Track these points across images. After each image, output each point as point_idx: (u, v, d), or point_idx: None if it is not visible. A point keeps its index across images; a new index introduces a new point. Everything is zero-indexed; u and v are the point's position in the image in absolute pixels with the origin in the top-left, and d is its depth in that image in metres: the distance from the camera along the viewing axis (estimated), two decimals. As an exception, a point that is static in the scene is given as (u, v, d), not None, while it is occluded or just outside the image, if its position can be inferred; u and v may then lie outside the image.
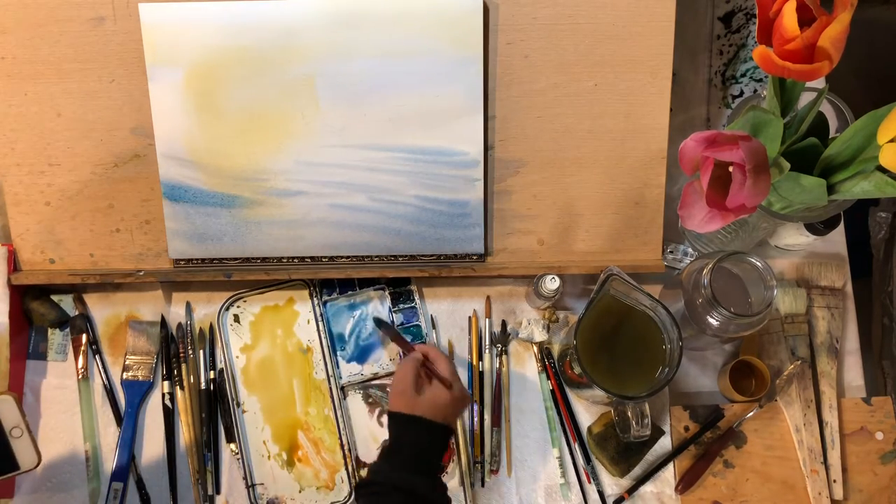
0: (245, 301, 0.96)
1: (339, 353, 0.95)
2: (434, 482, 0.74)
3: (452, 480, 0.92)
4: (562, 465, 0.92)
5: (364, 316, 0.96)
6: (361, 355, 0.95)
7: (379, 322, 0.91)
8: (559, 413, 0.94)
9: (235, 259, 0.92)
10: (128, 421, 0.92)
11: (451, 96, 0.88)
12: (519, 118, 0.90)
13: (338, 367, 0.94)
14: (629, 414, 0.82)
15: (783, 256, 0.99)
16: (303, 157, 0.89)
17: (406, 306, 0.96)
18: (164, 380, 0.93)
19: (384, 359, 0.95)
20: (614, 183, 0.92)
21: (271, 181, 0.90)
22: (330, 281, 0.96)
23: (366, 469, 0.91)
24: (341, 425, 0.92)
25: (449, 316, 0.97)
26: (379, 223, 0.91)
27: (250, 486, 0.91)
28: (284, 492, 0.91)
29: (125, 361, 0.93)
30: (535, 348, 0.95)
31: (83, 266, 0.93)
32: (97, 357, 0.94)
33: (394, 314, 0.95)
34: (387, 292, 0.96)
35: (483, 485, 0.92)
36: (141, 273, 0.92)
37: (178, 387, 0.93)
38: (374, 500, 0.72)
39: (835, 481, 0.91)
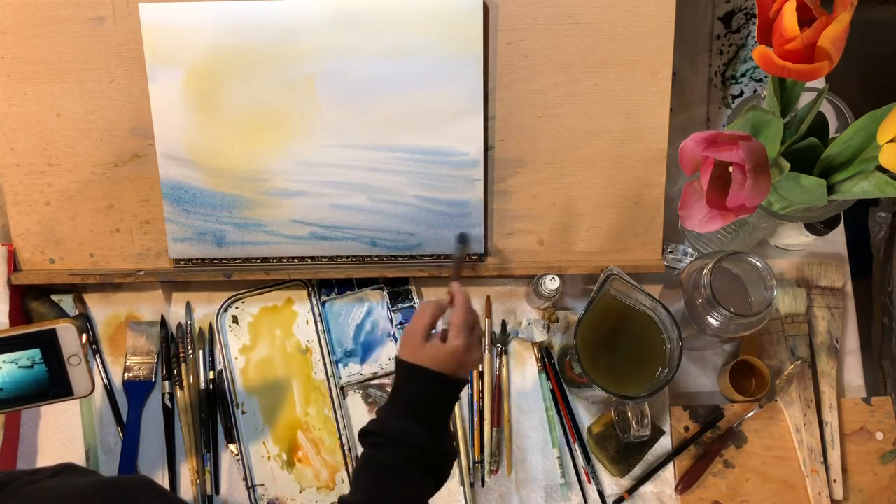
0: (243, 302, 0.96)
1: (341, 358, 0.95)
2: (436, 434, 0.70)
3: (452, 480, 0.92)
4: (562, 465, 0.92)
5: (363, 315, 0.96)
6: (362, 355, 0.95)
7: (462, 238, 0.86)
8: (559, 413, 0.94)
9: (235, 259, 0.92)
10: (132, 421, 0.92)
11: (451, 96, 0.88)
12: (519, 118, 0.90)
13: (337, 368, 0.94)
14: (629, 414, 0.82)
15: (783, 256, 0.99)
16: (303, 157, 0.89)
17: (405, 306, 0.96)
18: (163, 380, 0.93)
19: (383, 358, 0.95)
20: (614, 183, 0.92)
21: (271, 181, 0.90)
22: (328, 281, 0.96)
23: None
24: (341, 425, 0.92)
25: (449, 316, 0.97)
26: (379, 223, 0.91)
27: (251, 487, 0.91)
28: (285, 492, 0.91)
29: (126, 362, 0.93)
30: (535, 348, 0.95)
31: (83, 266, 0.93)
32: (97, 357, 0.94)
33: (392, 313, 0.95)
34: (385, 292, 0.96)
35: (483, 485, 0.92)
36: (141, 273, 0.92)
37: (177, 387, 0.93)
38: (376, 452, 0.69)
39: (835, 481, 0.91)
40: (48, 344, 0.72)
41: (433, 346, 0.71)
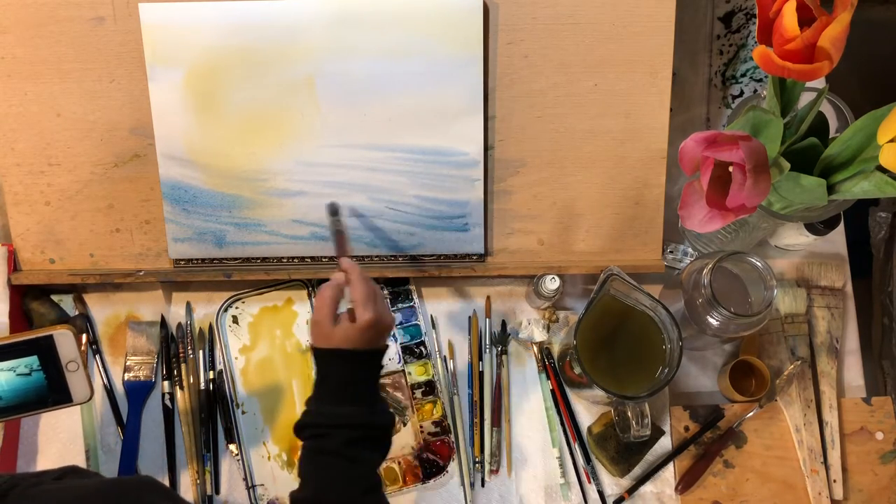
0: (243, 302, 0.96)
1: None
2: (368, 409, 0.71)
3: (452, 480, 0.92)
4: (562, 465, 0.92)
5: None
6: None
7: (333, 209, 0.85)
8: (559, 413, 0.94)
9: (235, 259, 0.92)
10: (132, 422, 0.92)
11: (451, 96, 0.88)
12: (519, 118, 0.90)
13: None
14: (629, 414, 0.82)
15: (783, 256, 0.99)
16: (303, 157, 0.89)
17: (405, 306, 0.96)
18: (164, 380, 0.93)
19: (384, 358, 0.95)
20: (614, 183, 0.92)
21: (271, 181, 0.90)
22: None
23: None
24: (341, 425, 0.92)
25: (449, 316, 0.97)
26: (379, 223, 0.91)
27: (251, 487, 0.91)
28: (285, 492, 0.91)
29: (126, 362, 0.93)
30: (535, 348, 0.95)
31: (83, 266, 0.93)
32: (97, 357, 0.94)
33: (392, 313, 0.95)
34: (385, 292, 0.96)
35: (483, 485, 0.92)
36: (141, 273, 0.92)
37: (178, 387, 0.93)
38: (316, 442, 0.70)
39: (835, 481, 0.91)
40: (46, 350, 0.72)
41: (343, 328, 0.72)
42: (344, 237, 0.82)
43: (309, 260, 0.92)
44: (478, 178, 0.90)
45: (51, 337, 0.72)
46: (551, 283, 0.88)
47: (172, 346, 0.94)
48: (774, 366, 0.94)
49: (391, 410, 0.74)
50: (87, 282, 0.92)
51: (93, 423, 0.92)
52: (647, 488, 0.92)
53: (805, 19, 0.66)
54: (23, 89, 0.89)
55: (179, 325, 0.95)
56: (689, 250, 0.97)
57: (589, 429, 0.93)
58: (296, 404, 0.93)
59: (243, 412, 0.93)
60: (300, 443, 0.92)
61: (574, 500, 0.92)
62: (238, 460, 0.91)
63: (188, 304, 0.96)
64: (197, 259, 0.92)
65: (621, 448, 0.90)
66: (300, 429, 0.71)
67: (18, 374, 0.72)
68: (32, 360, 0.72)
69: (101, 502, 0.57)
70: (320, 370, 0.73)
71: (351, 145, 0.89)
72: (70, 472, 0.64)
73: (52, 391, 0.73)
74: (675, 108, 1.00)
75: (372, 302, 0.73)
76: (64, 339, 0.72)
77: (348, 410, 0.70)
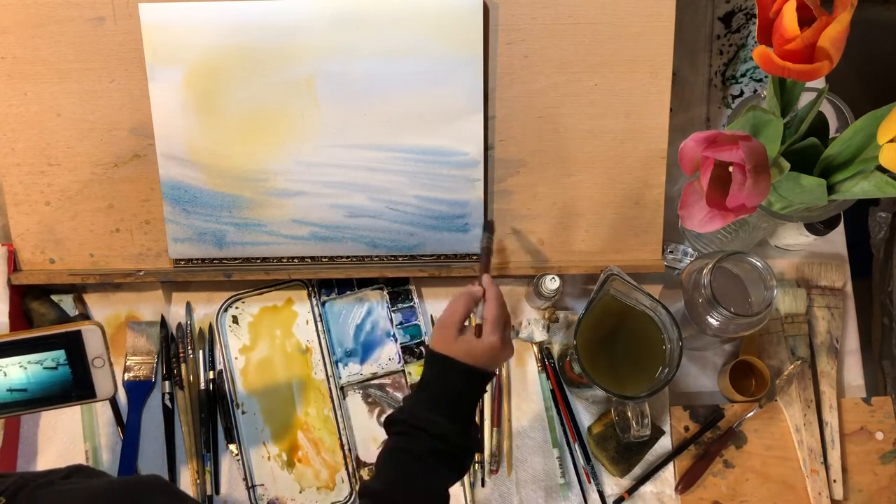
0: (243, 302, 0.96)
1: (341, 358, 0.95)
2: (461, 428, 0.69)
3: (452, 480, 0.92)
4: (562, 465, 0.92)
5: (363, 315, 0.96)
6: (362, 355, 0.95)
7: (488, 226, 0.84)
8: (559, 413, 0.94)
9: (235, 259, 0.92)
10: (132, 422, 0.92)
11: (451, 96, 0.88)
12: (519, 118, 0.90)
13: (337, 368, 0.94)
14: (629, 414, 0.82)
15: (783, 256, 0.99)
16: (303, 157, 0.89)
17: (405, 306, 0.96)
18: (164, 380, 0.93)
19: (383, 358, 0.95)
20: (614, 183, 0.92)
21: (271, 181, 0.90)
22: (328, 281, 0.96)
23: (366, 469, 0.92)
24: (341, 425, 0.92)
25: (449, 316, 0.97)
26: (379, 223, 0.91)
27: (251, 487, 0.91)
28: (285, 492, 0.91)
29: (126, 362, 0.93)
30: (535, 348, 0.95)
31: (83, 266, 0.93)
32: (97, 357, 0.94)
33: (392, 313, 0.95)
34: (385, 292, 0.96)
35: (483, 485, 0.92)
36: (141, 273, 0.92)
37: (178, 387, 0.93)
38: (402, 440, 0.69)
39: (835, 481, 0.91)
40: (73, 345, 0.72)
41: (467, 341, 0.70)
42: (491, 254, 0.81)
43: (309, 260, 0.92)
44: (478, 178, 0.90)
45: (79, 332, 0.72)
46: (551, 283, 0.88)
47: (172, 346, 0.94)
48: (774, 366, 0.94)
49: (479, 439, 0.73)
50: (87, 282, 0.92)
51: (93, 423, 0.92)
52: (647, 488, 0.92)
53: (805, 19, 0.66)
54: (23, 89, 0.89)
55: (179, 325, 0.95)
56: (689, 250, 0.97)
57: (589, 429, 0.93)
58: (296, 404, 0.93)
59: (243, 412, 0.93)
60: (299, 442, 0.93)
61: (574, 500, 0.92)
62: (238, 460, 0.91)
63: (188, 304, 0.96)
64: (197, 259, 0.92)
65: (621, 448, 0.90)
66: (391, 422, 0.70)
67: (45, 368, 0.72)
68: (59, 355, 0.72)
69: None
70: (428, 372, 0.72)
71: (351, 145, 0.89)
72: (76, 471, 0.64)
73: (76, 386, 0.73)
74: (675, 108, 1.00)
75: (501, 327, 0.72)
76: (92, 335, 0.73)
77: (442, 422, 0.68)
